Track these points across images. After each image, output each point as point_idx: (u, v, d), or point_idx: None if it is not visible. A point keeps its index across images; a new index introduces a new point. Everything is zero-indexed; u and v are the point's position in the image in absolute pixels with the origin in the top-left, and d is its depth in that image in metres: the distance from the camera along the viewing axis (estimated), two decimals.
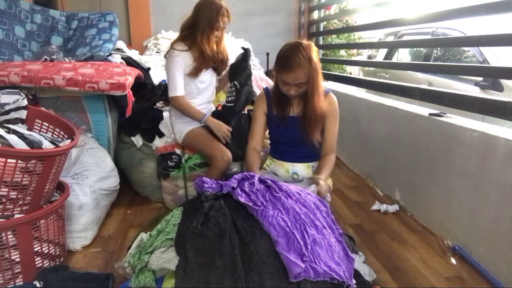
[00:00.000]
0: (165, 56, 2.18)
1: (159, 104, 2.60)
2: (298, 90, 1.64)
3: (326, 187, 1.62)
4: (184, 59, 2.04)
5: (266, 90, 1.87)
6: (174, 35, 2.18)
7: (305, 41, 1.65)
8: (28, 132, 1.51)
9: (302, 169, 1.80)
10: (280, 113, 1.76)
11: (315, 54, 1.61)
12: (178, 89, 2.05)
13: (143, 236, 1.47)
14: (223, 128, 2.05)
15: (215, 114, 2.23)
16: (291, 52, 1.58)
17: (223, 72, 2.28)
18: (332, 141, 1.77)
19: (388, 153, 2.42)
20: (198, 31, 2.02)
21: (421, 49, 4.30)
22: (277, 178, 1.79)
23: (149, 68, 2.81)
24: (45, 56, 2.39)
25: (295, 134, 1.74)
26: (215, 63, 2.16)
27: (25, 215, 1.43)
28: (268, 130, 1.93)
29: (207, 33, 2.02)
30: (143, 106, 2.52)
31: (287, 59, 1.58)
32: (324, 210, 1.39)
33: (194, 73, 2.06)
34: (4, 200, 1.37)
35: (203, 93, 2.17)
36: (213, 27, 2.02)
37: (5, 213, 1.40)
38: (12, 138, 1.39)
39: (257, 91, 2.78)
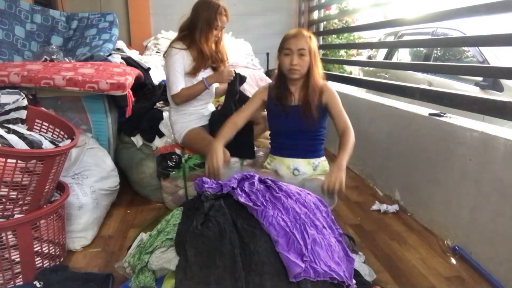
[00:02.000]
0: (164, 56, 2.17)
1: (159, 104, 2.60)
2: (299, 62, 1.73)
3: (338, 177, 1.58)
4: (183, 58, 2.04)
5: (270, 84, 1.94)
6: (174, 35, 2.18)
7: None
8: (28, 132, 1.51)
9: (303, 165, 1.81)
10: (281, 102, 1.81)
11: (315, 40, 1.81)
12: (179, 85, 2.04)
13: (143, 236, 1.47)
14: (224, 74, 2.03)
15: (215, 115, 2.23)
16: (293, 30, 1.80)
17: None
18: (343, 118, 1.78)
19: (388, 153, 2.42)
20: (196, 31, 2.02)
21: (421, 49, 4.30)
22: (279, 178, 1.80)
23: (149, 68, 2.81)
24: (45, 56, 2.39)
25: (296, 124, 1.77)
26: (214, 63, 2.16)
27: (25, 215, 1.43)
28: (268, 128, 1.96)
29: (205, 32, 2.02)
30: (143, 106, 2.52)
31: (291, 31, 1.79)
32: (324, 210, 1.39)
33: (193, 72, 2.06)
34: (4, 200, 1.37)
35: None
36: (211, 26, 2.02)
37: (5, 213, 1.40)
38: (12, 138, 1.39)
39: None
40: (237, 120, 1.87)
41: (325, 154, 1.93)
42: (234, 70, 2.09)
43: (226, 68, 2.08)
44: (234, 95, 2.09)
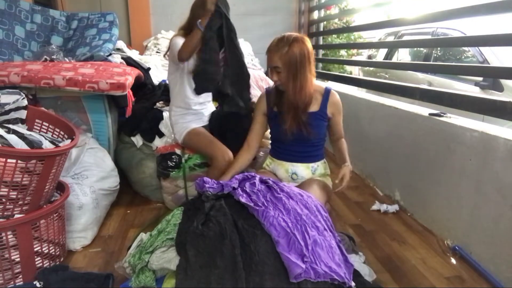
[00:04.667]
0: (164, 56, 2.16)
1: (159, 104, 2.60)
2: (278, 77, 1.68)
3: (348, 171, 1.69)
4: None
5: (267, 89, 1.89)
6: None
7: (297, 34, 1.69)
8: (28, 132, 1.51)
9: (302, 169, 1.80)
10: (280, 110, 1.77)
11: (300, 47, 1.63)
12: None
13: (143, 236, 1.47)
14: (208, 3, 1.89)
15: (214, 114, 2.23)
16: (275, 39, 1.71)
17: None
18: (340, 130, 1.86)
19: (388, 153, 2.42)
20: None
21: (421, 49, 4.31)
22: (277, 180, 1.80)
23: (149, 68, 2.81)
24: (45, 56, 2.39)
25: (295, 133, 1.74)
26: None
27: (25, 215, 1.43)
28: (269, 130, 1.93)
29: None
30: (143, 106, 2.52)
31: (271, 43, 1.71)
32: (324, 215, 1.39)
33: (196, 70, 2.06)
34: (4, 200, 1.37)
35: None
36: None
37: (5, 213, 1.40)
38: (12, 138, 1.39)
39: (257, 92, 2.79)
40: (250, 143, 1.86)
41: (325, 154, 1.93)
42: None
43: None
44: (212, 30, 1.87)
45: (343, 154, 1.80)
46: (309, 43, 1.68)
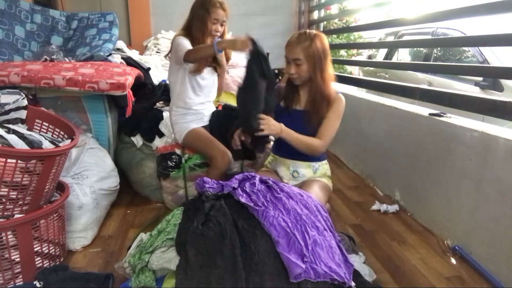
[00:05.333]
0: (166, 57, 2.17)
1: (159, 104, 2.60)
2: (297, 71, 1.69)
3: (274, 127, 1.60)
4: (189, 44, 2.02)
5: (278, 85, 1.90)
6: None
7: (314, 31, 1.73)
8: (28, 132, 1.51)
9: (303, 168, 1.80)
10: (287, 104, 1.78)
11: (320, 42, 1.68)
12: (188, 47, 1.96)
13: (143, 236, 1.47)
14: (237, 44, 1.73)
15: (214, 114, 2.23)
16: (296, 33, 1.73)
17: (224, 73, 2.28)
18: (324, 129, 1.71)
19: (388, 153, 2.42)
20: (193, 29, 2.03)
21: (421, 49, 4.31)
22: (279, 178, 1.80)
23: (149, 68, 2.81)
24: (45, 56, 2.39)
25: (299, 129, 1.74)
26: (215, 62, 2.15)
27: (25, 215, 1.43)
28: None
29: (201, 29, 2.02)
30: (143, 106, 2.52)
31: (290, 37, 1.73)
32: (324, 215, 1.39)
33: (198, 69, 2.06)
34: (4, 200, 1.37)
35: (204, 89, 2.17)
36: (206, 21, 2.00)
37: (5, 213, 1.40)
38: (12, 138, 1.39)
39: None
40: None
41: (327, 156, 1.92)
42: (250, 39, 1.66)
43: (242, 37, 1.72)
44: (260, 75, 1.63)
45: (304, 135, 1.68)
46: (327, 41, 1.72)
